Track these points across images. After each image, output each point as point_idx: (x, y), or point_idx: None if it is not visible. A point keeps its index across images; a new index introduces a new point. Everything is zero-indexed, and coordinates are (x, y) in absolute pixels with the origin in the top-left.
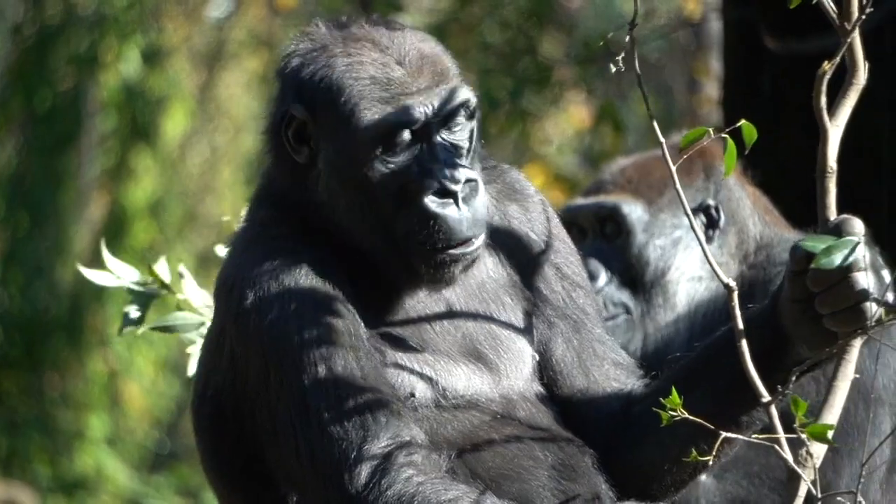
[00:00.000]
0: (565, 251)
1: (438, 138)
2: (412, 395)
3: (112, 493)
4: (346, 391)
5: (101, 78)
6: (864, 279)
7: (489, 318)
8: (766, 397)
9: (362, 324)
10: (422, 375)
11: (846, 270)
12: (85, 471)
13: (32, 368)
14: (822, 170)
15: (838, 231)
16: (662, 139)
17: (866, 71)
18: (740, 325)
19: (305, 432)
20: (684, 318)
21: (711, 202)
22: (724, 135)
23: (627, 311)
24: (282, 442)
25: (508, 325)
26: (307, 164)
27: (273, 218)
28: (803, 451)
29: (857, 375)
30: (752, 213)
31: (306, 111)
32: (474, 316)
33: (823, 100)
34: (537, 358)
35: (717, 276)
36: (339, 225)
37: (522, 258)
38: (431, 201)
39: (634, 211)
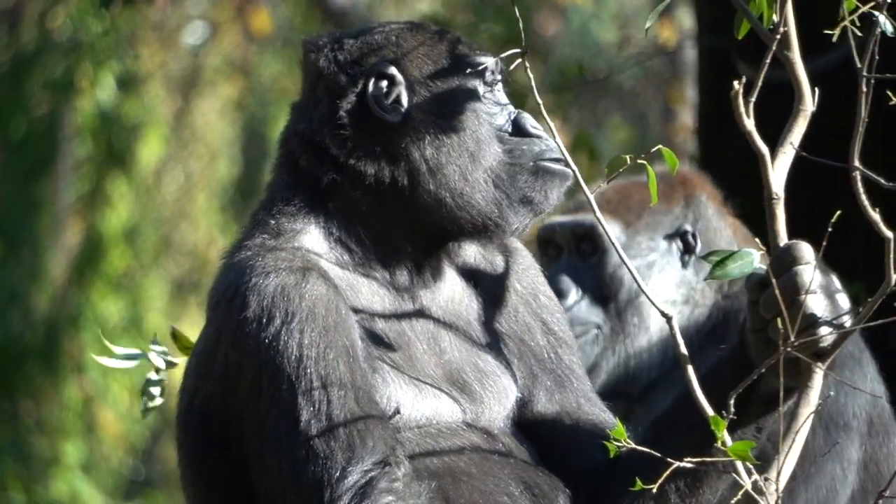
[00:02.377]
0: (552, 307)
1: (503, 96)
2: (398, 412)
3: None
4: (337, 411)
5: (77, 104)
6: (815, 303)
7: (476, 354)
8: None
9: (363, 334)
10: (409, 396)
11: (794, 294)
12: (60, 497)
13: (7, 395)
14: (768, 196)
15: (788, 256)
16: (586, 187)
17: (814, 97)
18: (683, 351)
19: (292, 448)
20: (658, 344)
21: (689, 228)
22: (641, 160)
23: (598, 327)
24: (267, 456)
25: (493, 364)
26: (399, 124)
27: (288, 222)
28: (761, 478)
29: (820, 402)
30: (730, 242)
31: (395, 67)
32: (463, 349)
33: (750, 122)
34: (520, 398)
35: (653, 304)
36: (419, 188)
37: (509, 309)
38: (533, 129)
39: (611, 230)
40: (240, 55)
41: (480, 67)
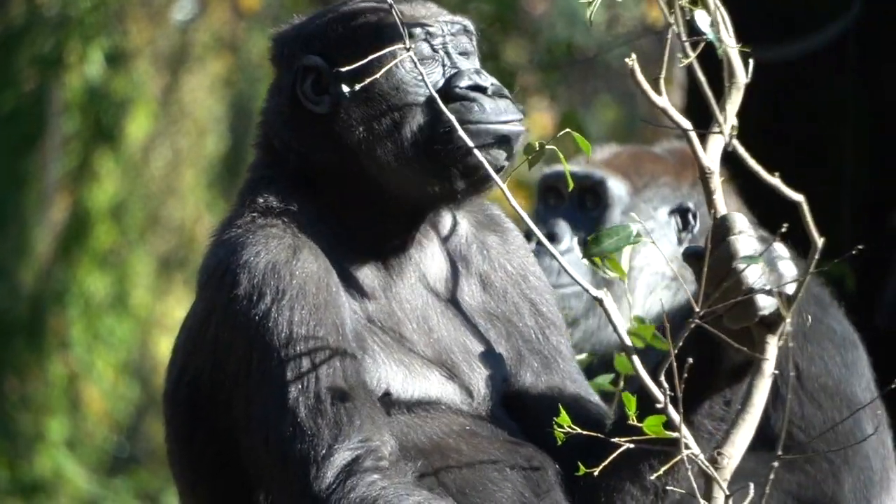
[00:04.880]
0: (541, 288)
1: (454, 56)
2: (387, 393)
3: (71, 497)
4: (325, 389)
5: (65, 79)
6: (749, 270)
7: (465, 334)
8: (661, 402)
9: (353, 313)
10: (398, 375)
11: (728, 264)
12: (43, 474)
13: None
14: (701, 171)
15: (721, 228)
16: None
17: (747, 70)
18: (624, 336)
19: (279, 425)
20: (639, 311)
21: (691, 207)
22: (550, 145)
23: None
24: (254, 432)
25: (482, 345)
26: (329, 113)
27: (276, 200)
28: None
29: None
30: None
31: (321, 59)
32: (451, 328)
33: (663, 99)
34: (507, 377)
35: (581, 286)
36: (365, 171)
37: (499, 289)
38: (463, 89)
39: (619, 188)
40: (228, 32)
41: (410, 34)
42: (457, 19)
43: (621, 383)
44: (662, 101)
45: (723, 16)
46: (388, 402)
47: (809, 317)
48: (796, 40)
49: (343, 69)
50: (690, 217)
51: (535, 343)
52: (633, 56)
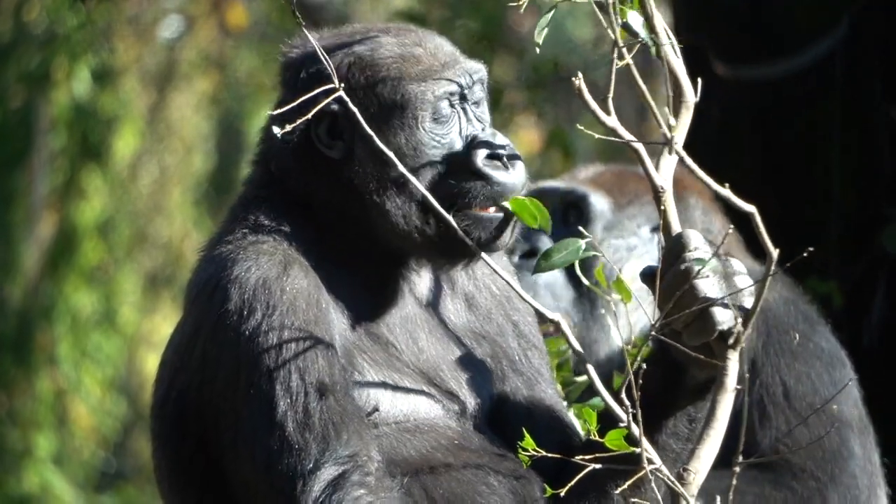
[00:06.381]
0: (524, 310)
1: (469, 110)
2: (376, 409)
3: None
4: (314, 404)
5: (52, 96)
6: (706, 286)
7: (452, 351)
8: (623, 421)
9: (343, 330)
10: (387, 392)
11: (685, 280)
12: (31, 489)
13: None
14: (654, 190)
15: (677, 245)
16: None
17: (696, 89)
18: (578, 348)
19: (266, 439)
20: (625, 326)
21: None
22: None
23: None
24: (241, 447)
25: (469, 362)
26: (342, 159)
27: (268, 218)
28: (681, 470)
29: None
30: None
31: (337, 104)
32: (439, 346)
33: (612, 119)
34: (493, 395)
35: (536, 309)
36: (369, 218)
37: (483, 309)
38: (483, 163)
39: (601, 204)
40: (215, 49)
41: (433, 94)
42: (476, 68)
43: None
44: (611, 120)
45: (653, 14)
46: (378, 417)
47: (797, 335)
48: (783, 60)
49: (364, 114)
50: None
51: (518, 364)
52: (580, 75)
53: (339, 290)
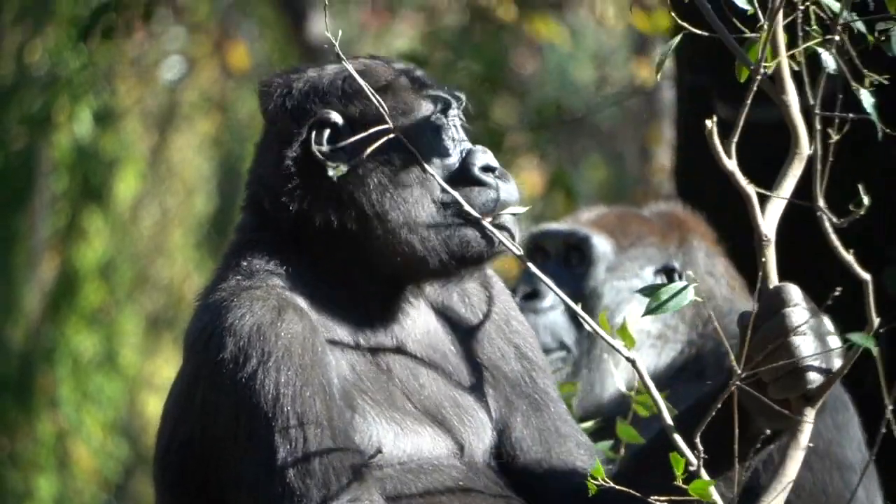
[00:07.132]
0: (524, 332)
1: (460, 129)
2: (380, 451)
3: None
4: (313, 449)
5: (54, 138)
6: (803, 343)
7: (454, 387)
8: (694, 465)
9: (341, 371)
10: (389, 432)
11: (783, 335)
12: None
13: None
14: (758, 238)
15: (777, 298)
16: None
17: (814, 141)
18: (655, 394)
19: (267, 485)
20: (623, 369)
21: (676, 266)
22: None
23: (563, 346)
24: (243, 494)
25: (470, 397)
26: (342, 175)
27: (260, 262)
28: None
29: (811, 444)
30: (716, 283)
31: (339, 115)
32: (440, 382)
33: (732, 163)
34: (496, 433)
35: (613, 348)
36: (370, 233)
37: (482, 336)
38: (480, 172)
39: (604, 245)
40: (217, 91)
41: (428, 109)
42: (460, 93)
43: (622, 450)
44: (731, 164)
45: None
46: (380, 460)
47: None
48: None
49: (365, 126)
50: (676, 277)
51: (523, 386)
52: (714, 119)
53: (336, 329)
